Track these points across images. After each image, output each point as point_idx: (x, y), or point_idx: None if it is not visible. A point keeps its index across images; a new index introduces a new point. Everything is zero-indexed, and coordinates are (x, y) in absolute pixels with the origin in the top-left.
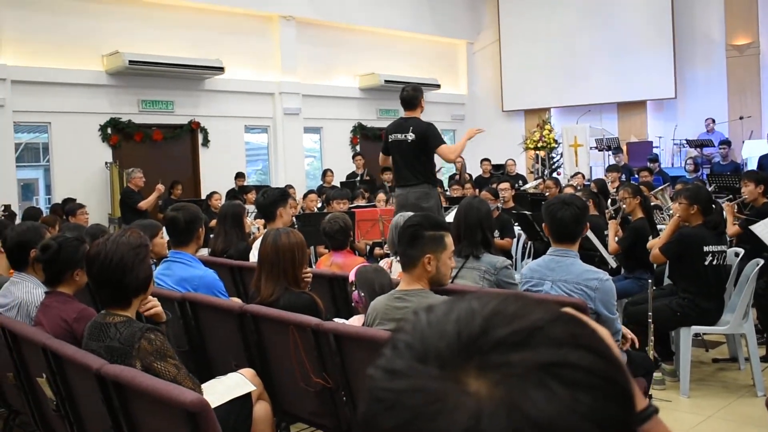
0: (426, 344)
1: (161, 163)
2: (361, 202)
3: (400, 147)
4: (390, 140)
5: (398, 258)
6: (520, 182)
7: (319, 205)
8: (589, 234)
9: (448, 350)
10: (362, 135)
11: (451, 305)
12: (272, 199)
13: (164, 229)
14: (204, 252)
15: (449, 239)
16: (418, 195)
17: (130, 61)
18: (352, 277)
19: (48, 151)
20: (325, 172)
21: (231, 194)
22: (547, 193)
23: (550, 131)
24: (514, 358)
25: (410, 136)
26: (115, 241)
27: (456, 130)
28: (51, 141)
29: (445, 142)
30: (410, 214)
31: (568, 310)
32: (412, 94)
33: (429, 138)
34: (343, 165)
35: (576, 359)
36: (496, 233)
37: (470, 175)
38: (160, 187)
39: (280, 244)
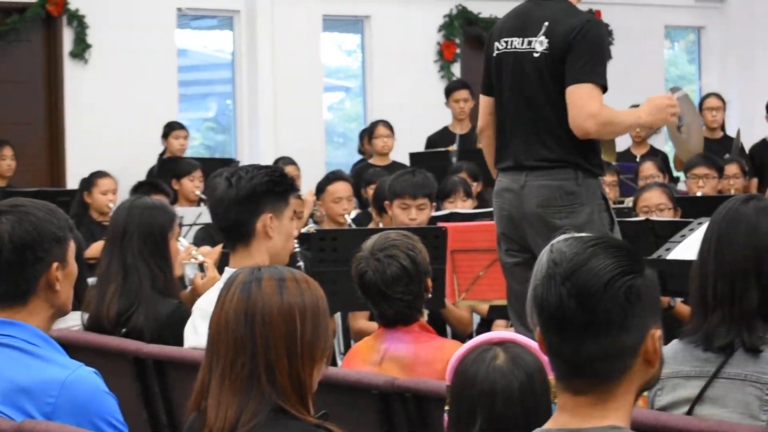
0: None
1: None
2: (464, 204)
3: (517, 73)
4: (494, 57)
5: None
6: None
7: (355, 210)
8: None
9: None
10: (468, 38)
11: None
12: (245, 195)
13: None
14: (71, 321)
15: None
16: (548, 196)
17: None
18: (448, 379)
19: None
20: (372, 128)
21: (146, 185)
22: None
23: None
24: None
25: (540, 46)
26: None
27: (704, 27)
28: None
29: (602, 80)
30: (564, 240)
31: None
32: None
33: (575, 50)
34: (422, 112)
35: None
36: None
37: (738, 143)
38: None
39: (261, 306)
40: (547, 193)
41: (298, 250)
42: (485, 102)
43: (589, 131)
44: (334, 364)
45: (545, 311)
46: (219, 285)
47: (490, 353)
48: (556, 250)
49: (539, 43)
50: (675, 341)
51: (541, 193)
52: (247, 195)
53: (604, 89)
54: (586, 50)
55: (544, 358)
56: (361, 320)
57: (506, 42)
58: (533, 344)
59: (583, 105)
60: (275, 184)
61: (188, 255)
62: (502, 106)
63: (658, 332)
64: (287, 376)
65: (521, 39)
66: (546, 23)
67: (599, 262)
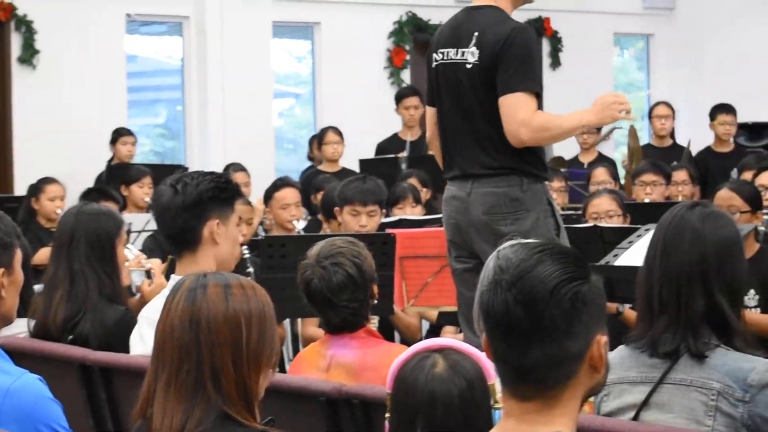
0: None
1: None
2: (414, 211)
3: (453, 84)
4: (433, 68)
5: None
6: None
7: (305, 217)
8: None
9: None
10: (418, 44)
11: None
12: (192, 202)
13: None
14: (17, 329)
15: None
16: (492, 203)
17: None
18: (388, 386)
19: None
20: (322, 134)
21: (95, 192)
22: None
23: None
24: None
25: (472, 56)
26: None
27: (652, 34)
28: None
29: (532, 88)
30: (515, 248)
31: None
32: None
33: (504, 59)
34: (372, 118)
35: None
36: (750, 296)
37: (687, 151)
38: None
39: (206, 312)
40: (492, 200)
41: (248, 256)
42: (431, 112)
43: (522, 139)
44: (283, 370)
45: (491, 317)
46: (165, 292)
47: (429, 360)
48: (503, 257)
49: (471, 54)
50: (621, 347)
51: (486, 201)
52: (193, 202)
53: (538, 95)
54: (514, 58)
55: (486, 365)
56: (311, 327)
57: (443, 53)
58: (473, 351)
59: (514, 114)
60: (221, 190)
61: (137, 263)
62: (443, 117)
63: (603, 338)
64: (233, 383)
65: (455, 50)
66: (476, 33)
67: (545, 268)
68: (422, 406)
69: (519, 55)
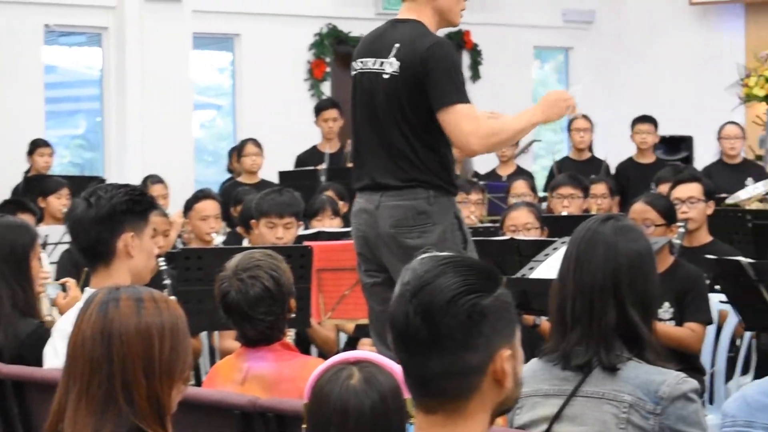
0: None
1: None
2: (332, 223)
3: (368, 93)
4: (353, 77)
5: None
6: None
7: (223, 232)
8: None
9: None
10: (339, 56)
11: None
12: (105, 215)
13: None
14: None
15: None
16: (400, 216)
17: None
18: (306, 397)
19: None
20: (241, 146)
21: (12, 204)
22: None
23: None
24: None
25: (390, 67)
26: None
27: (572, 48)
28: None
29: (466, 98)
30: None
31: None
32: None
33: (430, 75)
34: (292, 130)
35: None
36: (665, 308)
37: (605, 164)
38: None
39: (118, 325)
40: (400, 213)
41: (164, 268)
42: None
43: (474, 149)
44: (199, 384)
45: (395, 328)
46: (79, 305)
47: (345, 372)
48: (411, 269)
49: (389, 65)
50: (534, 360)
51: (393, 214)
52: (106, 215)
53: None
54: (441, 72)
55: (402, 378)
56: (228, 340)
57: (362, 62)
58: (391, 364)
59: (459, 127)
60: (135, 202)
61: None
62: (357, 126)
63: (507, 352)
64: (145, 397)
65: (374, 59)
66: (397, 45)
67: (446, 280)
68: (335, 418)
69: (446, 68)
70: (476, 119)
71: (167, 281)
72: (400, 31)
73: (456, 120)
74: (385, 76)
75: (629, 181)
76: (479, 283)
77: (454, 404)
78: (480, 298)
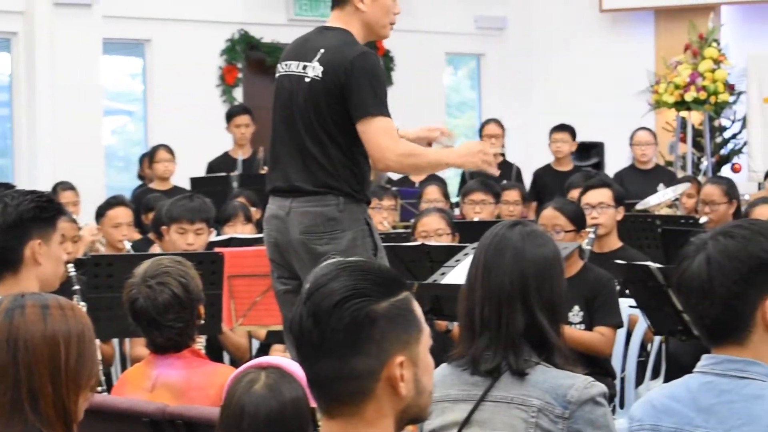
0: None
1: None
2: (245, 229)
3: (288, 96)
4: (276, 79)
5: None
6: (660, 187)
7: (132, 238)
8: None
9: None
10: (251, 62)
11: None
12: (12, 222)
13: None
14: None
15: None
16: (309, 223)
17: None
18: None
19: None
20: (153, 152)
21: None
22: (703, 219)
23: (719, 62)
24: None
25: (312, 71)
26: None
27: (483, 54)
28: None
29: (386, 112)
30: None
31: None
32: None
33: (353, 84)
34: (204, 136)
35: None
36: (575, 312)
37: (516, 169)
38: None
39: (24, 333)
40: (310, 219)
41: (73, 274)
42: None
43: (389, 165)
44: (107, 386)
45: (291, 330)
46: None
47: (251, 377)
48: (312, 273)
49: (312, 69)
50: (443, 365)
51: (303, 220)
52: (13, 222)
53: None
54: (365, 83)
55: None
56: (140, 347)
57: (286, 65)
58: (302, 371)
59: (378, 140)
60: (42, 209)
61: None
62: (275, 128)
63: (400, 359)
64: (51, 405)
65: (298, 63)
66: (321, 50)
67: (337, 283)
68: (232, 421)
69: (369, 79)
70: (395, 136)
71: (77, 287)
72: (327, 37)
73: (375, 132)
74: (307, 80)
75: (546, 187)
76: (371, 289)
77: (350, 409)
78: (368, 303)
